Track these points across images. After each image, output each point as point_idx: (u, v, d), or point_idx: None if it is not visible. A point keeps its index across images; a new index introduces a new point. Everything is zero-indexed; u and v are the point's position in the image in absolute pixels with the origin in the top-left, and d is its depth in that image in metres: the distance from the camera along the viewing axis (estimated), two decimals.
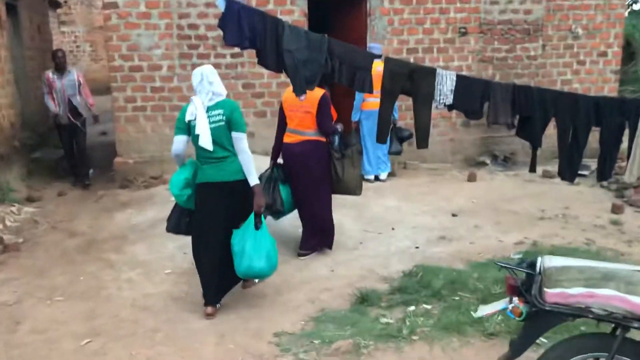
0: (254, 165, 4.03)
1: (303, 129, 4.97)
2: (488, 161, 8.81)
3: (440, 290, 4.32)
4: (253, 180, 4.00)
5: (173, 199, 6.36)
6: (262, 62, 4.48)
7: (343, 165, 5.04)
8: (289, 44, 4.39)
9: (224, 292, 4.19)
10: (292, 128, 5.02)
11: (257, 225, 3.96)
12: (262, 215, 4.06)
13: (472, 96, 4.70)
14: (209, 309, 4.04)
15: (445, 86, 4.63)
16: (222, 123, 3.94)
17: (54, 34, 16.90)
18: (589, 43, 9.11)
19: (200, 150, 4.00)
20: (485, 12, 8.70)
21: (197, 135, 3.93)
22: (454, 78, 4.65)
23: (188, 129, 4.03)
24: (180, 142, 4.08)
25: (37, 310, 4.22)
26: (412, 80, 4.58)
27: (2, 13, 8.00)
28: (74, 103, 7.66)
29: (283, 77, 8.27)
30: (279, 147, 5.17)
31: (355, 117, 7.71)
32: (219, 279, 4.07)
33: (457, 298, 4.22)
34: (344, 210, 5.93)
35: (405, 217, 6.19)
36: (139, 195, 6.77)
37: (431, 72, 4.62)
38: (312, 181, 4.93)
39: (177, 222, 4.30)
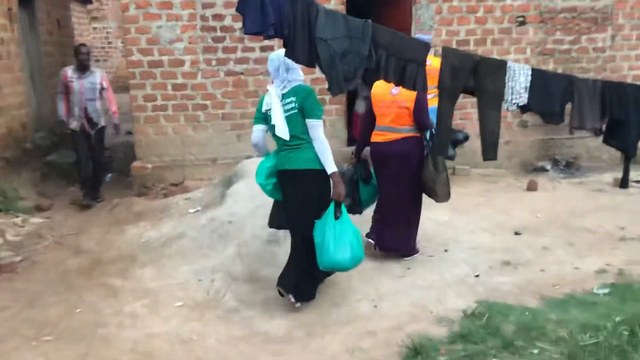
0: (330, 153, 3.80)
1: (398, 126, 4.54)
2: (548, 167, 7.82)
3: (512, 339, 3.42)
4: (330, 168, 3.79)
5: (191, 210, 5.71)
6: (290, 54, 3.65)
7: (437, 165, 4.50)
8: (324, 31, 3.56)
9: (304, 287, 3.98)
10: (385, 125, 4.59)
11: (337, 215, 3.77)
12: (343, 205, 3.82)
13: (551, 95, 3.80)
14: (291, 297, 3.93)
15: (518, 83, 3.73)
16: (296, 110, 3.79)
17: (85, 30, 16.48)
18: None
19: (277, 139, 3.88)
20: None
21: (274, 125, 3.82)
22: (529, 73, 3.75)
23: (266, 118, 3.91)
24: (258, 131, 3.97)
25: (18, 355, 3.49)
26: (476, 75, 3.69)
27: (14, 5, 7.38)
28: (91, 109, 6.58)
29: (318, 72, 7.47)
30: (364, 145, 4.81)
31: None
32: (297, 272, 3.93)
33: (535, 351, 3.31)
34: None
35: (460, 234, 5.29)
36: (155, 206, 6.04)
37: (500, 66, 3.72)
38: (408, 181, 4.56)
39: (276, 217, 4.17)
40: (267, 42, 7.14)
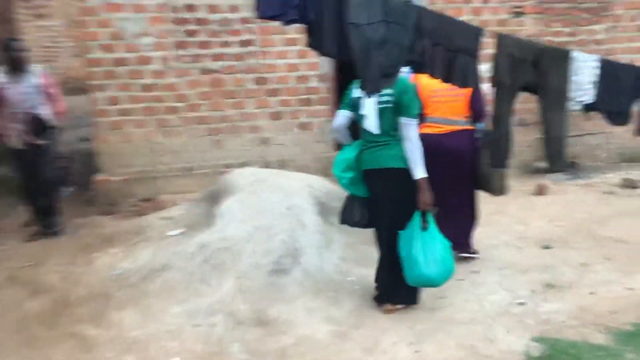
0: (421, 156, 3.51)
1: (454, 117, 4.27)
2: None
3: None
4: (419, 173, 3.51)
5: (172, 232, 4.88)
6: (315, 44, 2.95)
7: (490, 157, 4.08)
8: (358, 15, 2.87)
9: (395, 296, 3.73)
10: (439, 117, 4.29)
11: (424, 226, 3.51)
12: (430, 214, 3.55)
13: (620, 90, 3.18)
14: (388, 308, 3.72)
15: (584, 76, 3.10)
16: (390, 105, 3.51)
17: (28, 29, 15.17)
18: None
19: (364, 132, 3.63)
20: None
21: (362, 115, 3.57)
22: (596, 64, 3.12)
23: (355, 105, 3.63)
24: (342, 116, 3.71)
25: None
26: (539, 68, 3.04)
27: None
28: (33, 118, 5.17)
29: (304, 69, 6.81)
30: None
31: None
32: (387, 279, 3.73)
33: None
34: None
35: (484, 251, 4.66)
36: (128, 227, 5.17)
37: (565, 56, 3.09)
38: (464, 174, 4.29)
39: (349, 212, 3.82)
40: (248, 37, 6.37)
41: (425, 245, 3.47)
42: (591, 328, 3.49)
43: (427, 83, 4.21)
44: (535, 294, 3.97)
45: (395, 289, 3.70)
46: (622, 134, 7.47)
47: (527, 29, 7.21)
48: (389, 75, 3.04)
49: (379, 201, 3.65)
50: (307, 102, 6.75)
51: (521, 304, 3.83)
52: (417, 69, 3.02)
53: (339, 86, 6.79)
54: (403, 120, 3.54)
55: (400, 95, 3.49)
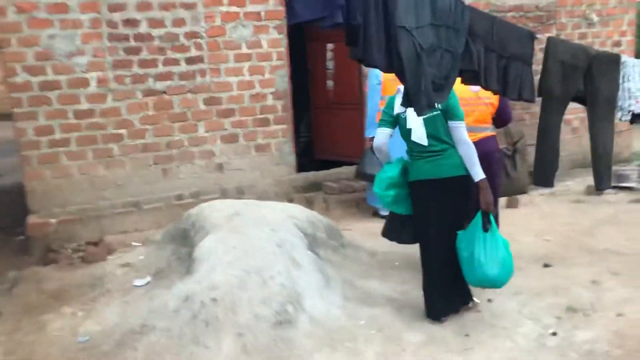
0: (476, 156, 3.52)
1: (482, 125, 4.12)
2: None
3: None
4: (479, 174, 3.53)
5: (138, 282, 4.17)
6: (362, 52, 2.44)
7: (515, 161, 4.34)
8: (407, 17, 2.37)
9: (451, 307, 3.71)
10: (468, 125, 3.84)
11: (486, 226, 3.50)
12: (491, 215, 3.54)
13: None
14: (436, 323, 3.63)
15: (635, 82, 2.81)
16: (438, 112, 3.48)
17: None
18: (603, 31, 7.77)
19: (412, 145, 3.60)
20: None
21: (409, 130, 3.55)
22: None
23: (395, 122, 3.65)
24: (384, 134, 3.67)
25: None
26: (590, 75, 2.71)
27: None
28: None
29: (259, 87, 6.22)
30: None
31: (370, 132, 5.74)
32: (447, 290, 3.69)
33: None
34: None
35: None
36: (79, 279, 4.39)
37: (615, 61, 2.80)
38: (492, 183, 3.84)
39: (398, 230, 3.91)
40: (195, 53, 5.76)
41: (487, 246, 3.46)
42: (637, 356, 3.21)
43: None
44: (562, 321, 3.66)
45: (446, 303, 3.69)
46: (571, 139, 7.53)
47: None
48: (440, 89, 2.63)
49: (435, 211, 3.59)
50: (264, 122, 6.21)
51: (554, 334, 3.51)
52: (470, 79, 2.61)
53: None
54: (454, 124, 3.52)
55: (449, 100, 3.42)
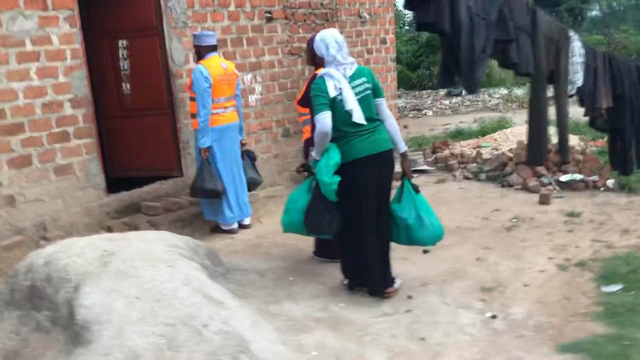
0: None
1: None
2: None
3: None
4: (403, 147, 3.83)
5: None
6: (430, 17, 1.96)
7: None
8: None
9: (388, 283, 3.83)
10: None
11: (417, 189, 3.81)
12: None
13: (590, 72, 3.11)
14: (389, 290, 3.79)
15: (576, 57, 2.92)
16: (369, 92, 3.66)
17: None
18: (373, 29, 8.33)
19: (346, 126, 3.58)
20: None
21: (347, 112, 3.55)
22: (580, 45, 3.01)
23: (331, 105, 3.56)
24: (329, 118, 3.51)
25: None
26: (557, 50, 2.70)
27: None
28: None
29: (53, 93, 4.83)
30: None
31: (205, 142, 5.04)
32: (387, 264, 3.84)
33: None
34: None
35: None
36: None
37: (567, 36, 2.83)
38: None
39: (317, 222, 3.70)
40: None
41: (425, 206, 3.77)
42: (573, 319, 3.40)
43: None
44: (489, 303, 3.71)
45: (388, 269, 3.83)
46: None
47: (279, 35, 6.88)
48: (479, 60, 2.30)
49: (376, 186, 3.64)
50: (63, 137, 4.96)
51: (494, 317, 3.50)
52: (506, 62, 2.32)
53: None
54: (381, 101, 3.72)
55: (373, 79, 3.68)
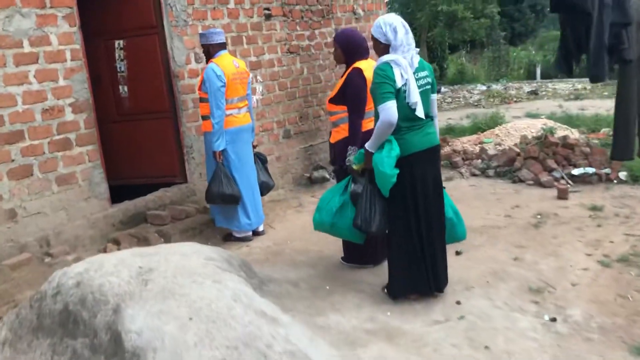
0: None
1: None
2: (328, 175, 6.95)
3: None
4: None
5: None
6: None
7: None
8: None
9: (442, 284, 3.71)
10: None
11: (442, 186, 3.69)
12: None
13: None
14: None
15: None
16: (429, 86, 3.51)
17: None
18: (367, 26, 8.13)
19: (403, 120, 3.36)
20: None
21: (407, 104, 3.35)
22: None
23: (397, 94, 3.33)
24: (395, 108, 3.28)
25: None
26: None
27: None
28: None
29: (53, 97, 4.42)
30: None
31: (220, 145, 4.75)
32: (444, 262, 3.70)
33: None
34: None
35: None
36: None
37: None
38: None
39: (381, 219, 3.50)
40: None
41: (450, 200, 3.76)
42: (635, 318, 3.26)
43: (368, 77, 3.81)
44: (543, 305, 3.54)
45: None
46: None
47: (278, 33, 6.62)
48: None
49: (431, 179, 3.51)
50: (65, 145, 4.62)
51: (553, 320, 3.34)
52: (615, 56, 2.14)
53: None
54: (434, 97, 3.59)
55: (432, 74, 3.54)
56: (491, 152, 6.96)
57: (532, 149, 6.52)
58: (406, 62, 3.33)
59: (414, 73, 3.37)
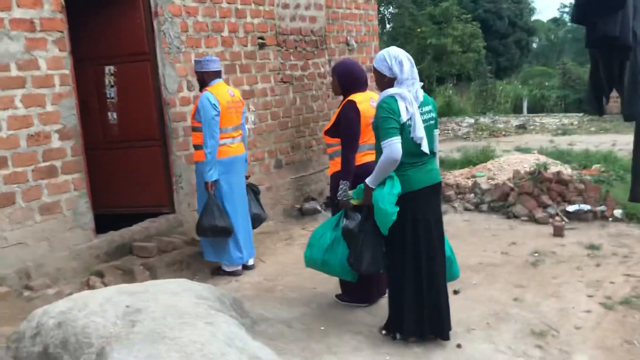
0: None
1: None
2: (319, 207, 6.81)
3: None
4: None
5: None
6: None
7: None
8: None
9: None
10: (372, 144, 3.66)
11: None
12: None
13: None
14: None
15: None
16: (433, 121, 3.41)
17: None
18: (360, 57, 8.10)
19: (406, 156, 3.21)
20: (279, 17, 6.67)
21: (411, 139, 3.24)
22: None
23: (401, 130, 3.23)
24: (400, 144, 3.17)
25: None
26: None
27: None
28: None
29: (39, 123, 4.28)
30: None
31: (213, 175, 4.61)
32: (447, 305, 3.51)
33: None
34: None
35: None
36: None
37: None
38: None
39: (374, 258, 3.38)
40: None
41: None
42: None
43: (364, 109, 3.81)
44: (547, 350, 3.40)
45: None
46: None
47: (272, 62, 6.55)
48: None
49: (433, 217, 3.39)
50: (50, 173, 4.44)
51: None
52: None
53: None
54: (437, 132, 3.51)
55: (435, 109, 3.43)
56: (484, 186, 6.88)
57: (526, 184, 6.45)
58: (411, 96, 3.24)
59: (418, 107, 3.27)
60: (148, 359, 2.47)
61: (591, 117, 15.63)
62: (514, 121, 15.58)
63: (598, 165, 7.94)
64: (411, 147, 3.25)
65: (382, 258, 3.37)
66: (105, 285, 4.43)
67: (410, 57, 3.34)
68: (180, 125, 5.44)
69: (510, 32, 32.08)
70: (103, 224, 5.01)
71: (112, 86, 5.42)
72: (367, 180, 3.30)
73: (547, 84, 20.56)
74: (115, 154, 5.53)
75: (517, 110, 20.10)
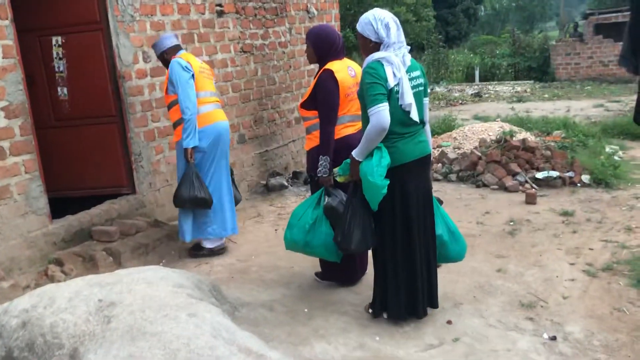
0: None
1: (358, 112, 3.53)
2: (286, 182, 6.59)
3: None
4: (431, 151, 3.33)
5: None
6: None
7: None
8: None
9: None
10: (353, 114, 3.63)
11: (441, 201, 3.51)
12: None
13: None
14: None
15: None
16: (422, 88, 3.18)
17: None
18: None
19: (395, 125, 3.02)
20: None
21: (400, 107, 3.03)
22: None
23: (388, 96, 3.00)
24: (388, 111, 2.95)
25: None
26: None
27: None
28: None
29: None
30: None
31: (193, 142, 4.31)
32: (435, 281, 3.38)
33: None
34: None
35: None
36: None
37: None
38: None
39: (364, 235, 3.15)
40: None
41: (449, 218, 3.48)
42: (635, 334, 3.10)
43: (342, 78, 3.59)
44: (537, 321, 3.32)
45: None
46: None
47: (231, 31, 6.21)
48: None
49: (423, 193, 3.20)
50: None
51: (553, 338, 3.12)
52: None
53: None
54: (426, 101, 3.23)
55: (424, 75, 3.22)
56: (451, 155, 6.80)
57: (494, 152, 6.40)
58: (398, 61, 3.02)
59: (406, 72, 3.06)
60: (129, 359, 2.22)
61: (542, 84, 15.91)
62: (469, 90, 15.66)
63: (558, 131, 8.00)
64: (400, 116, 3.04)
65: (372, 235, 3.19)
66: (66, 274, 4.12)
67: (397, 20, 3.12)
68: (137, 100, 5.08)
69: (458, 1, 32.29)
70: (59, 208, 4.65)
71: (60, 59, 4.99)
72: (354, 153, 3.09)
73: (497, 52, 20.69)
74: (68, 133, 5.13)
75: (469, 79, 20.20)
